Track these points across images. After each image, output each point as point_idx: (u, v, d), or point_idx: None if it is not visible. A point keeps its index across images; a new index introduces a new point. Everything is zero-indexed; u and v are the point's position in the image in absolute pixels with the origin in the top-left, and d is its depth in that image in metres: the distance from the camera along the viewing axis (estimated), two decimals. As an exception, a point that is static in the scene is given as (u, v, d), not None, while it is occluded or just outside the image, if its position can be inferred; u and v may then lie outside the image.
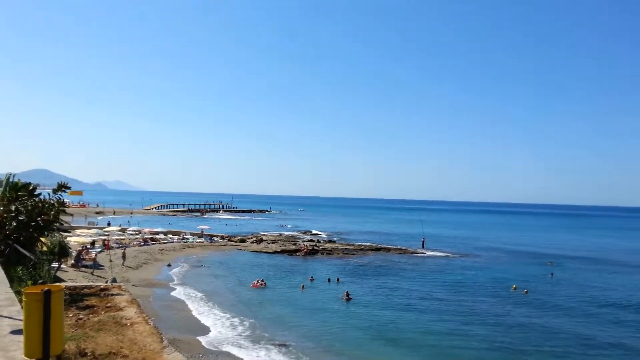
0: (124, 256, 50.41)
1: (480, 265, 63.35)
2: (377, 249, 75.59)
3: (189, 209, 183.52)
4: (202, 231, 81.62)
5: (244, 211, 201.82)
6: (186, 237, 77.05)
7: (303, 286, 43.83)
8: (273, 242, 78.86)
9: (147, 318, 27.87)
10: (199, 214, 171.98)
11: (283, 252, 68.75)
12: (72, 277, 39.14)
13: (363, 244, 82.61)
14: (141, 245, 64.37)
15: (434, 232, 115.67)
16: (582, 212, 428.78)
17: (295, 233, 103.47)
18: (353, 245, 79.69)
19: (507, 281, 50.00)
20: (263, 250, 69.16)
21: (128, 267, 47.72)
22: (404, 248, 78.76)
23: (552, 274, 56.28)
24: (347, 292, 40.73)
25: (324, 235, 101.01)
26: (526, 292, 44.70)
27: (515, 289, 46.07)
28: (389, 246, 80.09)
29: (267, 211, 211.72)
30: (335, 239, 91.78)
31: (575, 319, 35.64)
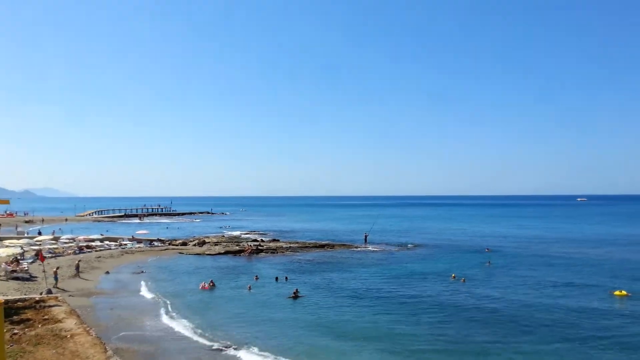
0: (77, 267, 48.17)
1: (422, 256, 65.13)
2: (322, 246, 76.07)
3: (125, 214, 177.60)
4: (132, 237, 79.34)
5: (184, 214, 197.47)
6: (124, 243, 74.39)
7: (250, 286, 43.41)
8: (216, 243, 77.59)
9: (88, 329, 26.78)
10: (136, 218, 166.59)
11: (227, 253, 67.82)
12: (2, 291, 36.89)
13: (308, 241, 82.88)
14: (76, 254, 61.58)
15: (380, 226, 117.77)
16: (528, 202, 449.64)
17: (238, 234, 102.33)
18: (297, 243, 79.78)
19: (447, 271, 51.71)
20: (206, 253, 67.88)
21: (63, 277, 45.46)
22: (347, 244, 79.71)
23: (489, 262, 58.69)
24: (297, 289, 40.76)
25: (268, 234, 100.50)
26: (464, 280, 46.38)
27: (454, 277, 47.70)
28: (334, 243, 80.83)
29: (209, 213, 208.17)
30: (279, 237, 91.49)
31: (509, 304, 37.33)
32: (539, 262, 59.17)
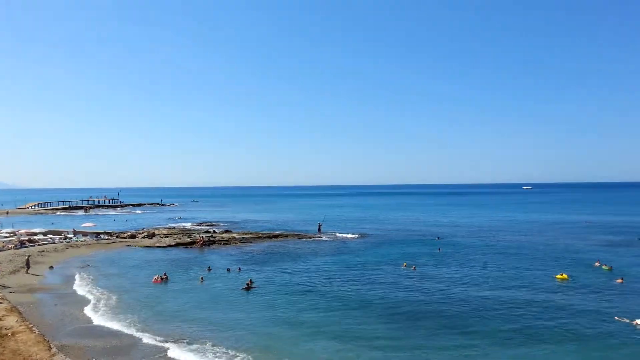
0: (27, 263, 45.82)
1: (375, 245, 66.05)
2: (275, 236, 75.86)
3: (70, 206, 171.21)
4: (74, 230, 76.69)
5: (133, 205, 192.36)
6: (69, 236, 71.76)
7: (202, 278, 42.79)
8: (166, 236, 75.98)
9: (31, 326, 25.68)
10: (82, 210, 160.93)
11: (178, 245, 66.57)
12: None
13: (261, 232, 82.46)
14: (17, 248, 58.97)
15: (335, 216, 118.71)
16: (479, 190, 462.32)
17: (189, 225, 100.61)
18: (251, 233, 79.22)
19: (399, 259, 52.69)
20: (156, 245, 66.38)
21: (3, 273, 43.36)
22: (301, 234, 79.84)
23: (439, 249, 60.19)
24: (250, 280, 40.52)
25: (220, 225, 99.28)
26: (414, 268, 47.37)
27: (405, 266, 48.65)
28: (287, 233, 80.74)
29: (159, 204, 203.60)
30: (232, 228, 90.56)
31: (459, 290, 38.46)
32: (487, 248, 61.16)
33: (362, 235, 77.51)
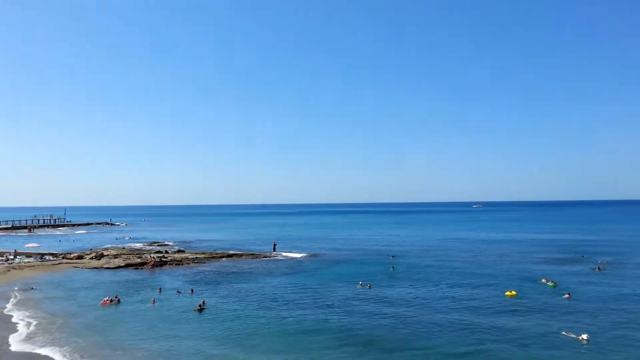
0: None
1: (330, 264, 66.09)
2: (229, 256, 74.77)
3: (13, 226, 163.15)
4: (14, 251, 73.29)
5: (80, 225, 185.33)
6: (11, 257, 68.31)
7: (154, 300, 41.53)
8: (116, 256, 73.52)
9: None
10: (26, 230, 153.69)
11: (128, 266, 64.47)
12: None
13: (215, 251, 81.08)
14: (-47, 271, 55.54)
15: (290, 234, 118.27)
16: (432, 209, 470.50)
17: (140, 245, 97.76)
18: (204, 253, 77.75)
19: (354, 278, 52.88)
20: (105, 266, 64.04)
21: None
22: (256, 253, 78.99)
23: (392, 267, 60.87)
24: (203, 301, 39.67)
25: (172, 245, 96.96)
26: (369, 287, 47.66)
27: (361, 285, 48.87)
28: (241, 252, 79.74)
29: (108, 224, 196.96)
30: (185, 248, 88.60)
31: (412, 307, 38.94)
32: (438, 266, 62.27)
33: (318, 254, 77.43)
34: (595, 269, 56.96)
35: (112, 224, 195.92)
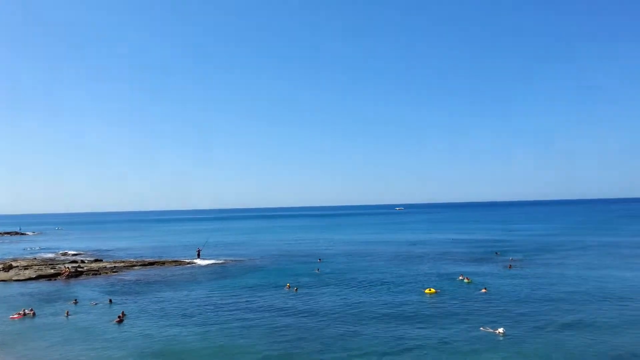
0: None
1: (257, 268, 65.61)
2: (151, 264, 72.20)
3: None
4: None
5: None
6: None
7: (67, 312, 39.28)
8: (26, 267, 68.78)
9: None
10: None
11: (39, 277, 60.54)
12: None
13: (135, 259, 78.02)
14: None
15: (216, 240, 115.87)
16: (358, 212, 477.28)
17: (53, 255, 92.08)
18: (123, 262, 74.57)
19: (282, 281, 52.87)
20: (14, 279, 59.73)
21: None
22: (179, 260, 76.83)
23: (318, 269, 61.50)
24: (123, 312, 38.07)
25: (89, 254, 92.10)
26: (296, 289, 47.89)
27: (288, 287, 49.01)
28: (163, 259, 77.26)
29: (17, 233, 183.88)
30: (102, 257, 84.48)
31: (337, 307, 39.58)
32: (362, 267, 63.65)
33: (244, 259, 76.60)
34: (507, 266, 60.56)
35: (21, 233, 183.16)
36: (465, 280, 50.12)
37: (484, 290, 44.25)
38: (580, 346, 27.53)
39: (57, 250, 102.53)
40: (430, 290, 45.10)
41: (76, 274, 62.17)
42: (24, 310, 39.57)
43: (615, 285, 45.82)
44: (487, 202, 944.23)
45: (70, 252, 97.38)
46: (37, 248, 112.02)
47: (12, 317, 38.14)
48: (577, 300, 39.61)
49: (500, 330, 30.76)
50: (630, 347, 27.14)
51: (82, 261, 76.34)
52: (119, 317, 37.05)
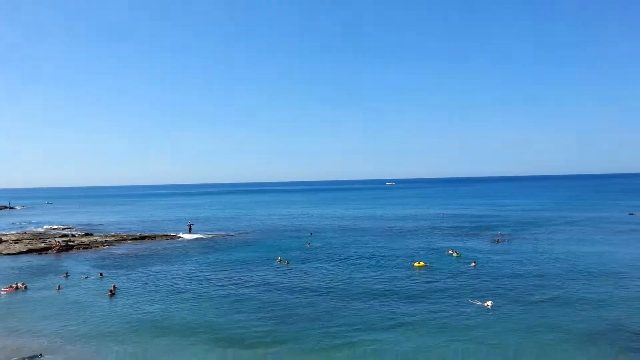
0: None
1: (248, 242, 65.87)
2: (142, 238, 72.25)
3: None
4: None
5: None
6: None
7: (59, 286, 39.33)
8: (16, 241, 68.57)
9: None
10: None
11: (30, 251, 60.43)
12: None
13: (125, 233, 77.99)
14: None
15: (208, 215, 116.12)
16: (350, 186, 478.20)
17: (43, 229, 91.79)
18: (114, 236, 74.54)
19: (273, 255, 53.19)
20: (4, 252, 59.57)
21: None
22: (170, 234, 76.92)
23: (309, 243, 61.87)
24: (114, 285, 38.20)
25: (79, 228, 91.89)
26: (287, 263, 48.25)
27: (280, 260, 49.34)
28: (155, 234, 77.31)
29: (6, 207, 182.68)
30: (93, 231, 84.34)
31: (328, 281, 39.94)
32: (352, 242, 64.11)
33: (235, 233, 76.85)
34: (495, 240, 61.26)
35: (10, 208, 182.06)
36: (455, 255, 50.68)
37: (473, 264, 44.92)
38: (566, 319, 28.07)
39: (46, 225, 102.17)
40: (419, 263, 45.62)
41: (67, 247, 62.10)
42: (16, 283, 39.64)
43: (604, 260, 46.47)
44: (477, 177, 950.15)
45: (60, 227, 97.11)
46: (27, 222, 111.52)
47: (3, 290, 38.17)
48: (565, 275, 40.24)
49: (489, 303, 31.26)
50: (617, 321, 27.71)
51: (73, 235, 76.20)
52: (111, 290, 37.17)
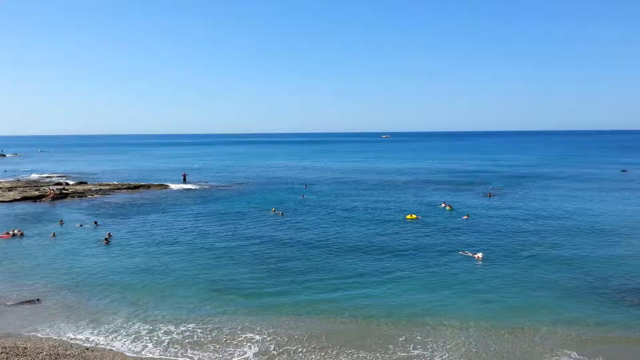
0: None
1: (242, 193, 66.16)
2: (136, 187, 72.31)
3: None
4: None
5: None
6: None
7: (54, 234, 39.65)
8: (10, 189, 68.51)
9: None
10: None
11: (24, 199, 60.51)
12: None
13: (120, 182, 78.00)
14: None
15: (202, 165, 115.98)
16: (346, 139, 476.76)
17: (37, 177, 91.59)
18: (108, 185, 74.58)
19: (267, 205, 53.59)
20: (-2, 200, 59.64)
21: None
22: (165, 184, 76.97)
23: (303, 195, 62.22)
24: (109, 233, 38.56)
25: (73, 177, 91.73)
26: (282, 214, 48.66)
27: (274, 211, 49.78)
28: (149, 183, 77.34)
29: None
30: (87, 180, 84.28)
31: (322, 232, 40.48)
32: (346, 193, 64.52)
33: (230, 184, 77.05)
34: (487, 194, 61.79)
35: (2, 155, 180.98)
36: (447, 208, 51.21)
37: (465, 217, 45.51)
38: (555, 275, 28.66)
39: (40, 173, 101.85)
40: (412, 216, 46.14)
41: (61, 196, 62.20)
42: (12, 230, 39.87)
43: (596, 218, 46.90)
44: (473, 131, 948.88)
45: (54, 175, 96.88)
46: (20, 170, 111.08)
47: (0, 237, 38.45)
48: (555, 229, 40.87)
49: (479, 255, 31.86)
50: (603, 277, 28.39)
51: (67, 183, 76.17)
52: (106, 238, 37.53)
